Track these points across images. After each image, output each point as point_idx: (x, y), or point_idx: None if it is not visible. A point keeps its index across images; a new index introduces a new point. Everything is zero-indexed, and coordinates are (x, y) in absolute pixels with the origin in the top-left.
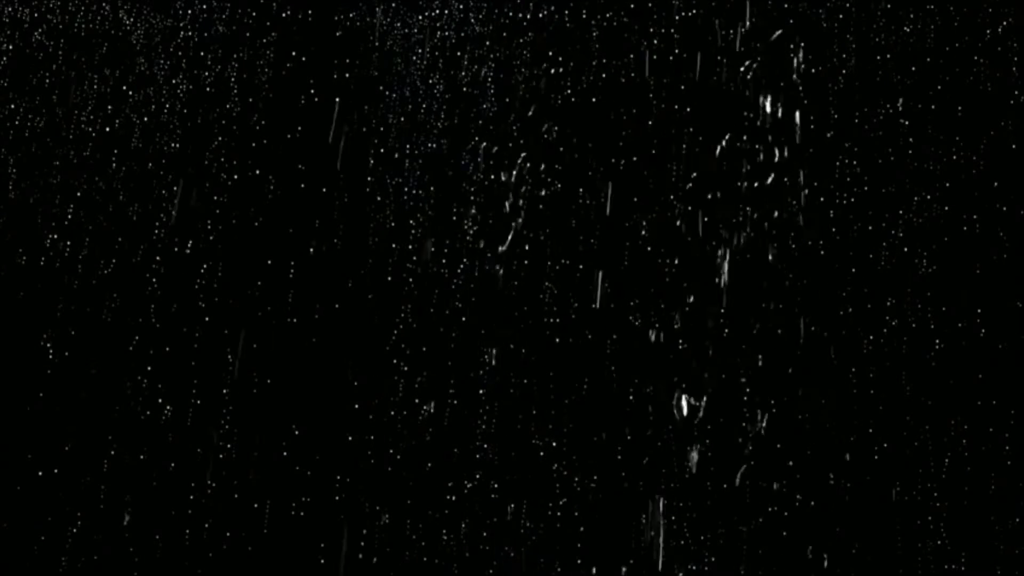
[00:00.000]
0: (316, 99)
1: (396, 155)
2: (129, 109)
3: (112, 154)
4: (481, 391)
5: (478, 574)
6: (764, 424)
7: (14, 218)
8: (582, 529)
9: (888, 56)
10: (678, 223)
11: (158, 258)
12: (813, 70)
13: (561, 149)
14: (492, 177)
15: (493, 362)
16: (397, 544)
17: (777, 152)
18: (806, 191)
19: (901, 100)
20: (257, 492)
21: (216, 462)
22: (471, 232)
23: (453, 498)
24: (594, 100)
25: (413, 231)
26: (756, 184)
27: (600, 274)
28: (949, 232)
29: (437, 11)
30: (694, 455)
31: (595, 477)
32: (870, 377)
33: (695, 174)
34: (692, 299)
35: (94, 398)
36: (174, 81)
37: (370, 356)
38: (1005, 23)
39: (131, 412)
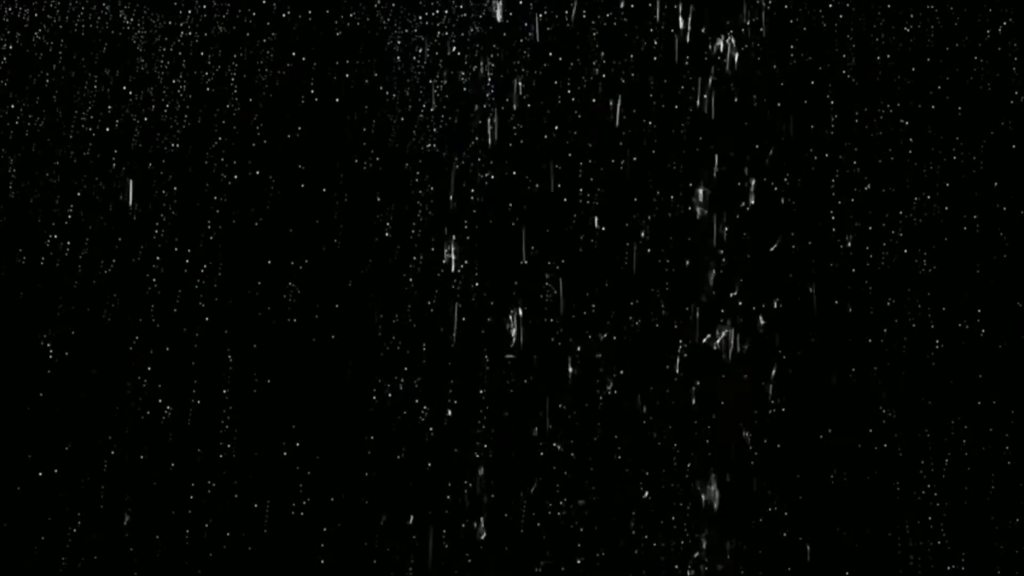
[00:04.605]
0: (316, 99)
1: (396, 155)
2: (129, 109)
3: (112, 154)
4: (481, 391)
5: (478, 574)
6: (764, 424)
7: (14, 218)
8: (582, 530)
9: (888, 56)
10: (678, 224)
11: (158, 258)
12: (813, 70)
13: (560, 149)
14: (492, 177)
15: (493, 362)
16: (397, 544)
17: (776, 152)
18: (806, 191)
19: (901, 100)
20: (257, 492)
21: (216, 462)
22: (471, 232)
23: (452, 498)
24: (594, 100)
25: (413, 231)
26: (756, 184)
27: (600, 274)
28: (949, 232)
29: (437, 11)
30: (693, 455)
31: (595, 478)
32: (870, 377)
33: (694, 174)
34: (692, 299)
35: (94, 398)
36: (174, 81)
37: (370, 356)
38: (1005, 23)
39: (131, 412)
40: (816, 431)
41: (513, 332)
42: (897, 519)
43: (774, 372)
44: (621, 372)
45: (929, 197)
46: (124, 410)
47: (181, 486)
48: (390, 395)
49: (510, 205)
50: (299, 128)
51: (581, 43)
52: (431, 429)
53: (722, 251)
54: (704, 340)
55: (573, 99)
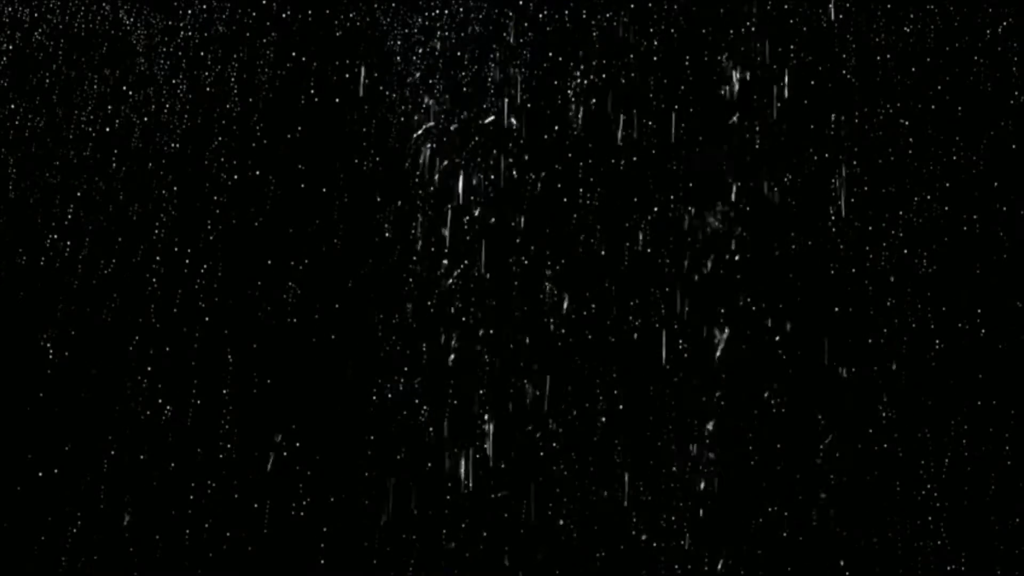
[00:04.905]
0: (316, 99)
1: (395, 155)
2: (129, 109)
3: (112, 154)
4: (481, 391)
5: (478, 574)
6: (765, 424)
7: (14, 218)
8: (582, 529)
9: (888, 56)
10: (677, 224)
11: (158, 258)
12: (814, 71)
13: (561, 149)
14: (492, 177)
15: (492, 362)
16: (397, 544)
17: (777, 152)
18: (806, 191)
19: (901, 100)
20: (257, 492)
21: (216, 462)
22: (471, 232)
23: (452, 498)
24: (594, 100)
25: (413, 231)
26: (756, 185)
27: (600, 274)
28: (949, 232)
29: (437, 11)
30: (694, 455)
31: (595, 478)
32: (870, 377)
33: (694, 175)
34: (692, 299)
35: (94, 398)
36: (174, 81)
37: (370, 356)
38: (1005, 23)
39: (131, 412)
40: (816, 431)
41: (512, 332)
42: (897, 519)
43: (774, 372)
44: (621, 372)
45: (929, 197)
46: (124, 410)
47: (181, 486)
48: (390, 395)
49: (510, 205)
50: (299, 128)
51: (581, 43)
52: (431, 429)
53: (722, 251)
54: (703, 339)
55: (573, 99)
